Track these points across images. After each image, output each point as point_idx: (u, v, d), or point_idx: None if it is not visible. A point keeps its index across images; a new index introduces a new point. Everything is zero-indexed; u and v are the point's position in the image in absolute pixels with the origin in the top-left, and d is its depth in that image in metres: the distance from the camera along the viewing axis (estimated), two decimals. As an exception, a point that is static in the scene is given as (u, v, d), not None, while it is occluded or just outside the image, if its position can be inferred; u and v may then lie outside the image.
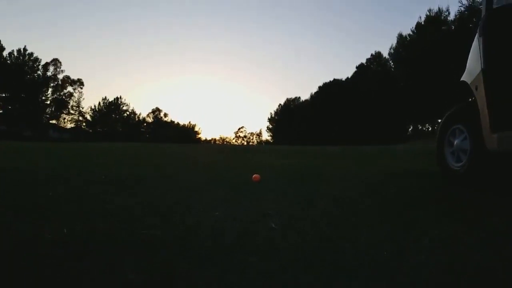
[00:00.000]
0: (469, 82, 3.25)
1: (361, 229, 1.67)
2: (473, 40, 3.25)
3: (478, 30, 3.10)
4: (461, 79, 3.44)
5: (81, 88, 62.57)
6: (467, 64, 3.39)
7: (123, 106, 66.84)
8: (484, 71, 2.94)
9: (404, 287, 1.08)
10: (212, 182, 3.35)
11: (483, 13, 3.14)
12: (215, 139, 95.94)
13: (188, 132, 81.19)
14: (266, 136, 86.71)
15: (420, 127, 52.17)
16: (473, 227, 1.81)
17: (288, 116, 70.89)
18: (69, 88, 60.62)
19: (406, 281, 1.12)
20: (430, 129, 46.95)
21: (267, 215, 1.92)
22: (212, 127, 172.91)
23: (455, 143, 3.45)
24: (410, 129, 53.86)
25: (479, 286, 1.11)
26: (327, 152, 9.28)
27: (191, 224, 1.70)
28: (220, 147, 18.17)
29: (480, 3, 3.22)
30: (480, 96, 3.00)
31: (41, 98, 56.47)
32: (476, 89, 3.08)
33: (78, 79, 62.41)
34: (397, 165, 5.90)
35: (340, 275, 1.15)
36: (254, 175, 3.40)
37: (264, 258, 1.28)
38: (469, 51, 3.38)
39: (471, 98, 3.33)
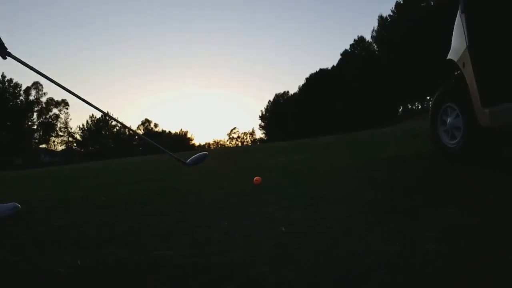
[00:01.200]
0: (455, 60, 3.26)
1: (368, 227, 1.67)
2: (455, 17, 3.25)
3: (460, 7, 3.10)
4: (448, 57, 3.44)
5: (67, 109, 62.15)
6: (452, 42, 3.39)
7: (112, 122, 66.50)
8: (469, 47, 2.95)
9: (422, 278, 1.08)
10: (214, 191, 3.33)
11: None
12: (209, 143, 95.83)
13: (181, 140, 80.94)
14: (259, 134, 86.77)
15: (410, 106, 52.55)
16: (472, 210, 1.82)
17: (279, 111, 70.96)
18: (55, 110, 60.23)
19: (422, 273, 1.12)
20: (420, 107, 47.30)
21: (273, 220, 1.91)
22: (205, 132, 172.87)
23: (448, 121, 3.46)
24: (400, 110, 54.23)
25: (487, 274, 1.11)
26: (322, 143, 9.30)
27: (200, 240, 1.68)
28: (215, 151, 18.17)
29: None
30: (468, 73, 3.01)
31: (27, 123, 55.87)
32: (463, 66, 3.08)
33: (62, 100, 61.89)
34: (390, 150, 5.96)
35: (356, 276, 1.14)
36: (256, 178, 3.38)
37: (277, 266, 1.27)
38: (452, 28, 3.38)
39: (457, 72, 3.34)
